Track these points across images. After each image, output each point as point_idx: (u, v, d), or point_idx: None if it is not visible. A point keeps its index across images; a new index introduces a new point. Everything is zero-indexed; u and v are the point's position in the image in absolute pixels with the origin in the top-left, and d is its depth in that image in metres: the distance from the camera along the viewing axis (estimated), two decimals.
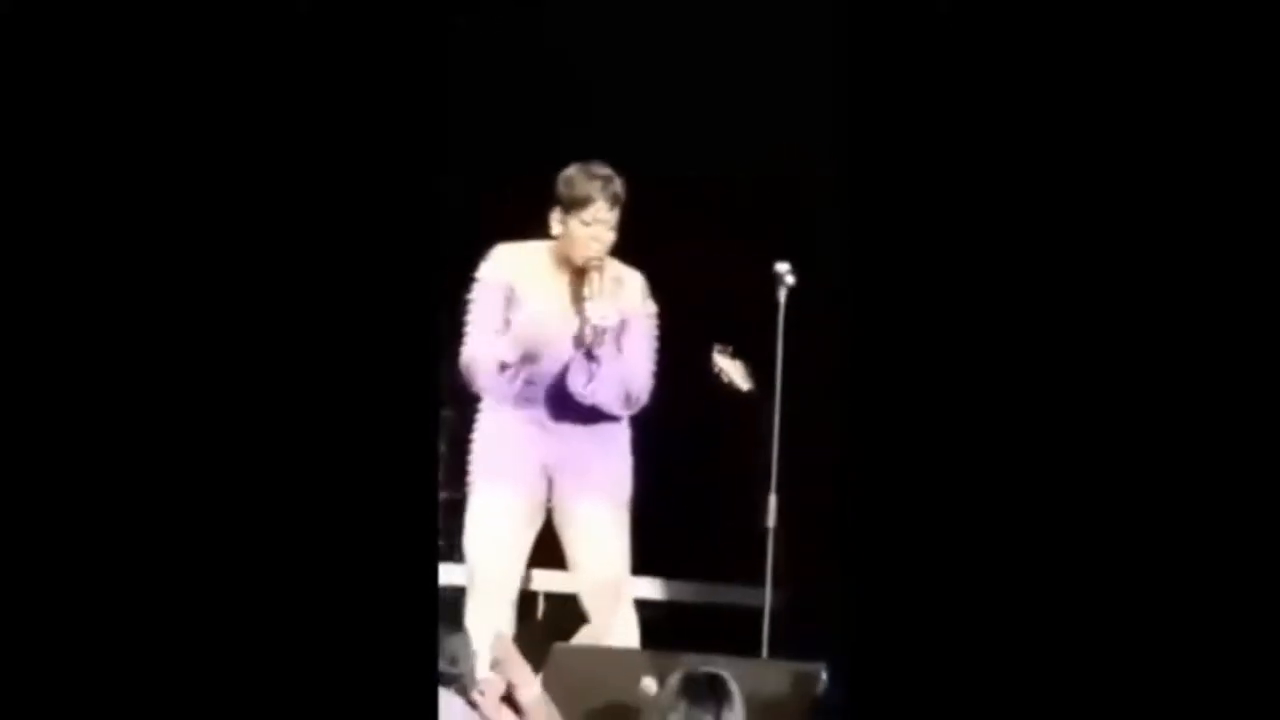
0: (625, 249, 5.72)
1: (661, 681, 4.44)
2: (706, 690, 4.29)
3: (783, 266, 5.81)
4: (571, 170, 5.63)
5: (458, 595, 4.89)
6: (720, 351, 6.00)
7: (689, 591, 7.08)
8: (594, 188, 5.58)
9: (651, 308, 5.77)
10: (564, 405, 5.70)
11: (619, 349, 5.63)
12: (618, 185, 5.61)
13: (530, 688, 4.27)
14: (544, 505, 5.75)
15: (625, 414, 5.70)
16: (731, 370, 6.03)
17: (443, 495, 7.45)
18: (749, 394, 6.06)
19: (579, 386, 5.60)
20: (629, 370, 5.64)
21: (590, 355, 5.59)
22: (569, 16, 7.20)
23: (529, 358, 5.61)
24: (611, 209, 5.60)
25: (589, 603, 5.75)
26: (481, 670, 5.26)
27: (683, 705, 4.27)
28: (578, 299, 5.61)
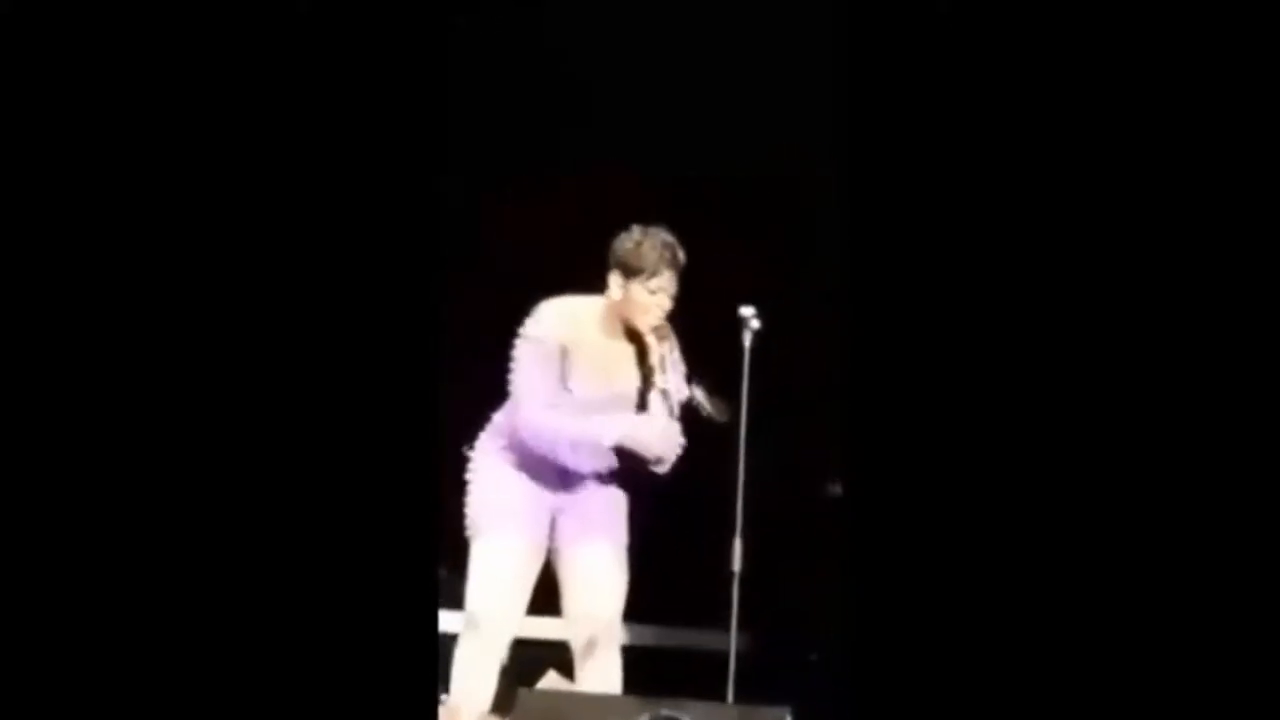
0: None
1: None
2: None
3: (747, 310, 5.82)
4: (636, 234, 5.59)
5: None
6: (696, 384, 6.01)
7: (657, 636, 7.07)
8: (662, 257, 5.56)
9: (684, 373, 5.76)
10: (574, 483, 5.70)
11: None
12: (680, 253, 5.60)
13: None
14: (544, 548, 5.71)
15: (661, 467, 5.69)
16: (709, 405, 6.03)
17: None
18: (724, 425, 6.06)
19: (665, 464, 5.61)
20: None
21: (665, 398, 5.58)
22: (569, 16, 7.21)
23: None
24: (675, 276, 5.59)
25: (582, 647, 5.71)
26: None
27: None
28: (645, 368, 5.59)
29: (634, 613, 6.65)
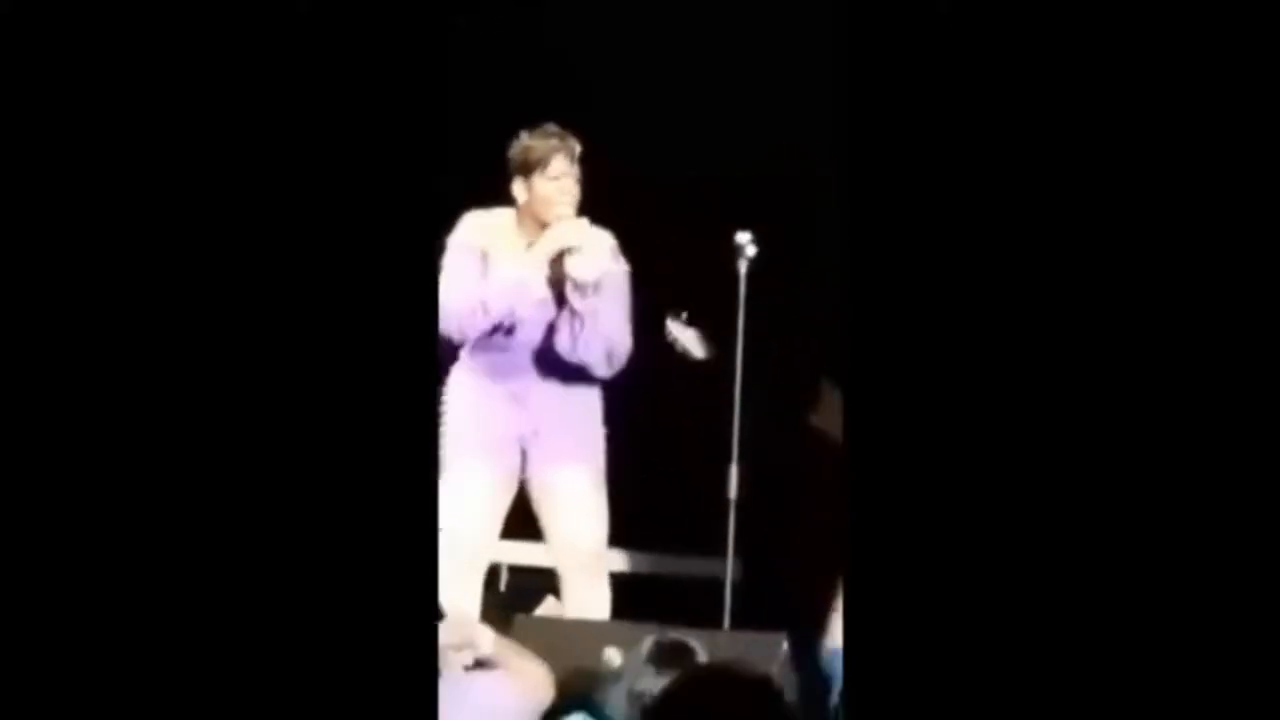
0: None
1: (625, 651, 4.44)
2: (673, 657, 4.29)
3: (743, 237, 5.82)
4: (523, 137, 5.62)
5: None
6: (673, 319, 6.00)
7: (651, 563, 7.09)
8: (550, 145, 5.57)
9: (624, 266, 5.73)
10: (541, 371, 5.67)
11: (596, 308, 5.59)
12: (573, 142, 5.60)
13: (485, 640, 4.27)
14: (517, 477, 5.70)
15: (607, 374, 5.67)
16: (685, 339, 6.03)
17: None
18: (705, 361, 6.06)
19: (564, 345, 5.57)
20: (609, 328, 5.60)
21: (573, 312, 5.54)
22: (569, 16, 7.22)
23: (505, 326, 5.57)
24: (571, 164, 5.58)
25: (567, 575, 5.72)
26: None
27: (650, 672, 4.27)
28: (555, 257, 5.56)
29: (631, 540, 6.68)
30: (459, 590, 5.52)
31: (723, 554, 5.77)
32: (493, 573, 6.03)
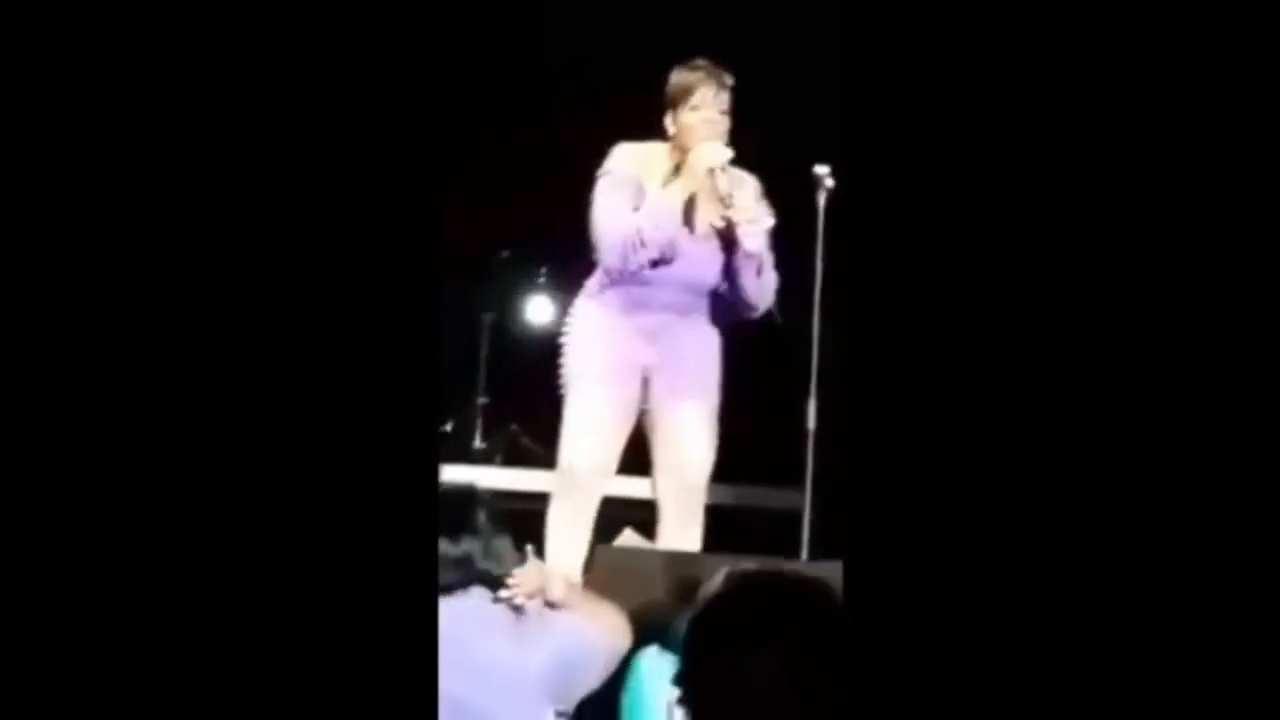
0: None
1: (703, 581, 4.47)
2: (750, 584, 4.30)
3: (822, 169, 5.81)
4: (675, 68, 5.59)
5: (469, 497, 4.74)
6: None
7: (729, 495, 7.12)
8: (696, 77, 5.53)
9: (768, 209, 5.72)
10: (678, 306, 5.66)
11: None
12: (724, 73, 5.56)
13: (556, 585, 4.32)
14: (638, 406, 5.70)
15: (759, 313, 5.68)
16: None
17: (483, 401, 7.58)
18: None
19: (750, 282, 5.58)
20: (769, 278, 5.64)
21: (750, 254, 5.54)
22: (569, 16, 7.26)
23: (665, 257, 5.57)
24: (720, 93, 5.54)
25: (670, 505, 5.73)
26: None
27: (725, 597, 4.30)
28: (712, 196, 5.54)
29: (714, 472, 6.71)
30: (571, 524, 5.59)
31: (801, 486, 5.80)
32: None
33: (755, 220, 5.52)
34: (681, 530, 5.70)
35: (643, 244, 5.49)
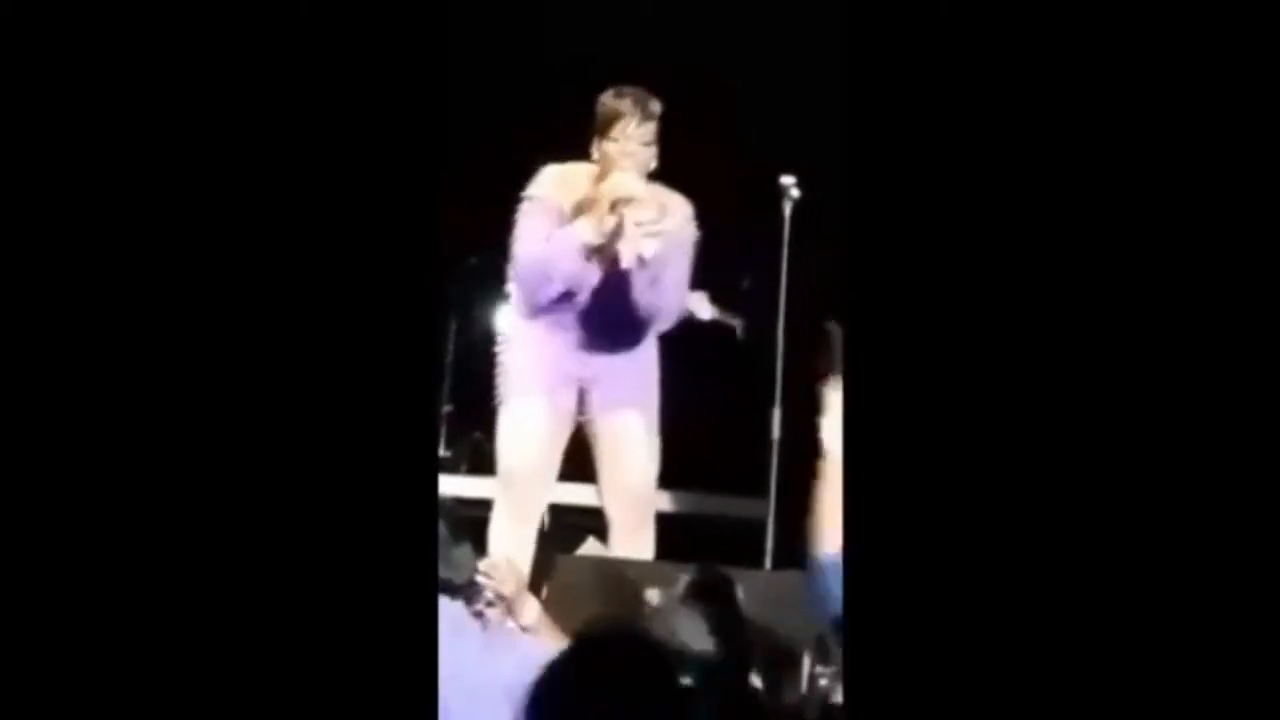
0: None
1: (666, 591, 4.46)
2: (711, 594, 4.31)
3: (788, 179, 5.82)
4: (604, 93, 5.57)
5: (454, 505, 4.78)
6: (706, 300, 6.00)
7: (695, 503, 7.11)
8: (622, 105, 5.50)
9: (691, 231, 5.67)
10: (601, 325, 5.65)
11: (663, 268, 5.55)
12: (650, 102, 5.51)
13: (530, 611, 4.30)
14: (574, 417, 5.71)
15: (661, 329, 5.66)
16: (691, 303, 6.01)
17: (447, 409, 7.57)
18: (715, 323, 6.05)
19: (640, 292, 5.52)
20: (675, 288, 5.61)
21: (643, 263, 5.49)
22: (570, 14, 7.26)
23: (571, 291, 5.56)
24: (642, 124, 5.49)
25: (616, 514, 5.73)
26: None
27: (686, 609, 4.29)
28: (614, 217, 5.48)
29: (676, 480, 6.71)
30: (515, 528, 5.58)
31: (765, 494, 5.79)
32: None
33: (647, 227, 5.47)
34: (630, 539, 5.70)
35: (548, 279, 5.50)
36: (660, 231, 5.45)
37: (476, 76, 5.77)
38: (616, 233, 5.45)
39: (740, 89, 6.55)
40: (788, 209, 5.85)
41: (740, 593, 4.30)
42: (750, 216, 6.15)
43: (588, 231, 5.47)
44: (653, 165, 5.55)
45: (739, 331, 5.98)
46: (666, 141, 5.55)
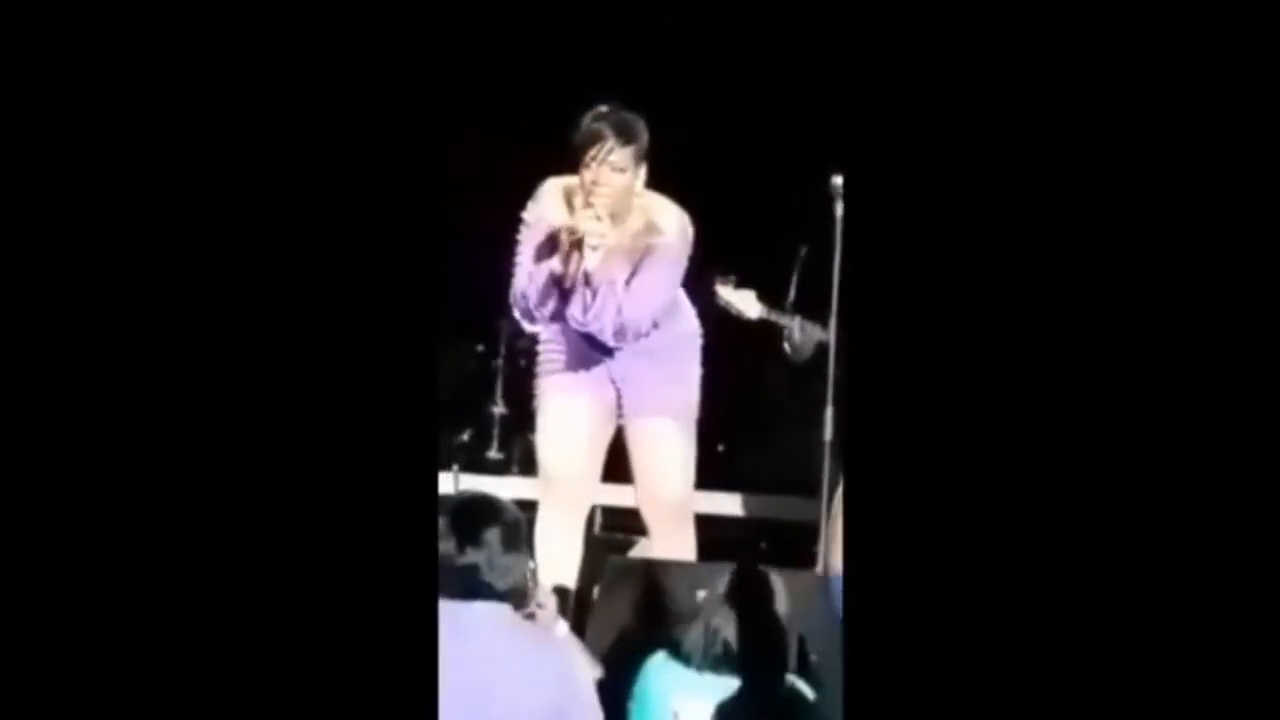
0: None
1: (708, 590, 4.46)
2: (750, 593, 4.31)
3: (838, 180, 5.79)
4: (586, 115, 5.45)
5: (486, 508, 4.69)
6: (722, 283, 5.99)
7: (745, 505, 7.10)
8: (597, 127, 5.37)
9: (683, 245, 5.56)
10: (592, 338, 5.60)
11: (627, 281, 5.45)
12: (632, 124, 5.40)
13: (561, 630, 4.31)
14: (615, 414, 5.66)
15: (619, 345, 5.55)
16: (738, 301, 6.03)
17: (499, 410, 7.58)
18: (761, 322, 6.05)
19: (577, 315, 5.45)
20: (632, 302, 5.47)
21: (587, 283, 5.39)
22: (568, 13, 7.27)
23: (555, 316, 5.52)
24: (622, 149, 5.36)
25: (651, 519, 5.71)
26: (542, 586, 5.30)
27: (726, 608, 4.30)
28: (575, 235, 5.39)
29: (724, 480, 6.70)
30: (561, 526, 5.57)
31: (817, 496, 5.77)
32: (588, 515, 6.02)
33: (592, 241, 5.36)
34: (667, 542, 5.68)
35: (530, 311, 5.48)
36: (598, 246, 5.35)
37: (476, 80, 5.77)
38: (572, 268, 5.40)
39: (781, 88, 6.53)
40: (839, 210, 5.81)
41: (780, 591, 4.30)
42: (801, 217, 6.13)
43: (554, 266, 5.41)
44: (638, 184, 5.45)
45: (788, 331, 5.94)
46: (708, 145, 5.52)
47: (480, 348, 7.63)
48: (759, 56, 7.41)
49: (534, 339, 5.75)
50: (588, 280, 5.40)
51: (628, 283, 5.44)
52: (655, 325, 5.53)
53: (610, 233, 5.37)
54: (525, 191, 5.57)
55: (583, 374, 5.62)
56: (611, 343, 5.55)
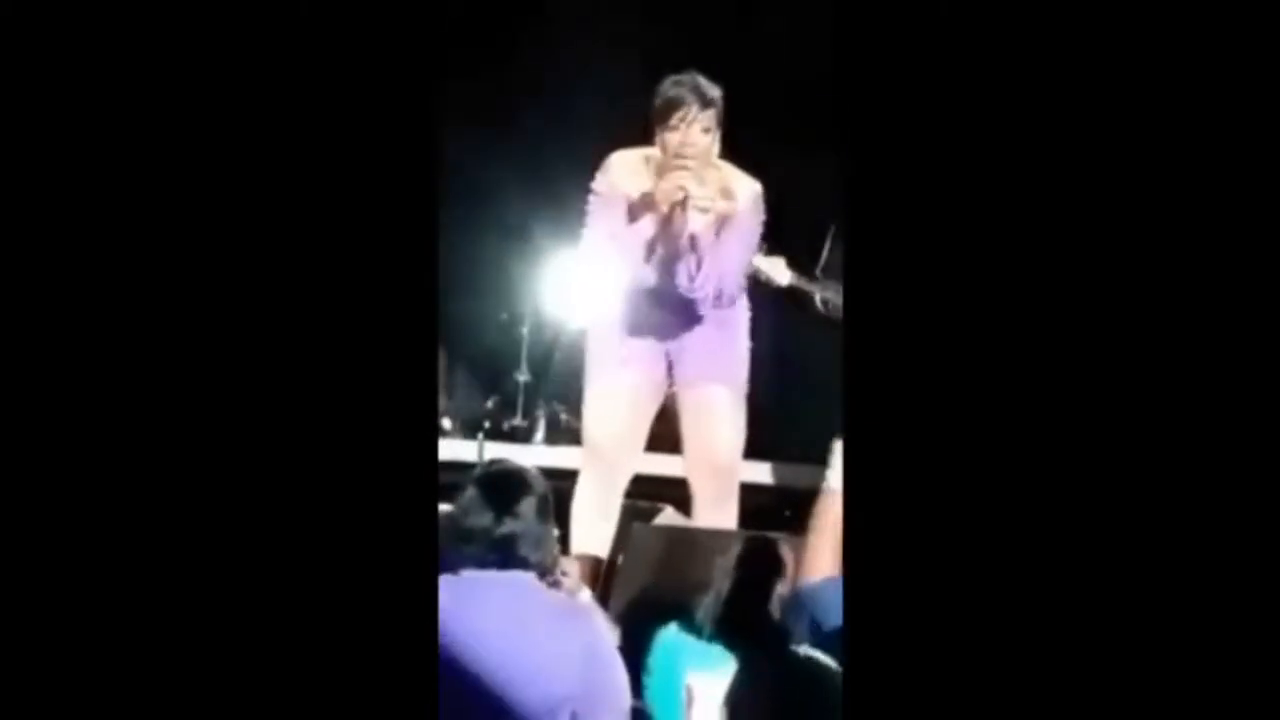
0: None
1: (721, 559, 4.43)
2: (760, 561, 4.28)
3: None
4: (664, 80, 5.49)
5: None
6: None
7: (783, 474, 7.08)
8: (678, 92, 5.42)
9: (756, 214, 5.62)
10: (672, 307, 5.62)
11: (718, 245, 5.51)
12: (709, 88, 5.44)
13: (585, 597, 4.30)
14: (663, 387, 5.69)
15: (716, 310, 5.60)
16: (768, 268, 6.00)
17: (524, 378, 7.57)
18: (793, 289, 6.02)
19: (684, 280, 5.51)
20: (724, 268, 5.53)
21: (693, 248, 5.46)
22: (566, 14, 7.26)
23: (644, 283, 5.54)
24: (703, 111, 5.42)
25: (700, 487, 5.71)
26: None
27: (738, 575, 4.28)
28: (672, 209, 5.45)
29: (762, 450, 6.67)
30: (600, 500, 5.59)
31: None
32: None
33: (700, 203, 5.42)
34: (714, 510, 5.68)
35: (616, 276, 5.52)
36: (708, 209, 5.42)
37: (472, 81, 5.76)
38: (677, 230, 5.44)
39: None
40: None
41: (787, 553, 4.27)
42: (829, 186, 6.09)
43: (649, 231, 5.46)
44: (716, 149, 5.51)
45: (818, 300, 5.91)
46: (737, 114, 5.51)
47: (504, 316, 7.61)
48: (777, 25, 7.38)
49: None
50: (694, 244, 5.44)
51: (718, 248, 5.47)
52: (743, 290, 5.61)
53: (718, 199, 5.43)
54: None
55: (635, 344, 5.63)
56: (708, 308, 5.57)
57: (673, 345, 5.64)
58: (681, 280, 5.49)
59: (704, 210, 5.41)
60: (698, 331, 5.64)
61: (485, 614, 3.72)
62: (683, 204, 5.40)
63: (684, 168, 5.42)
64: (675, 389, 5.68)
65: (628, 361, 5.62)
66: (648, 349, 5.63)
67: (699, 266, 5.47)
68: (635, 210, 5.48)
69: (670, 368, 5.67)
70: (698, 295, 5.53)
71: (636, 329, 5.62)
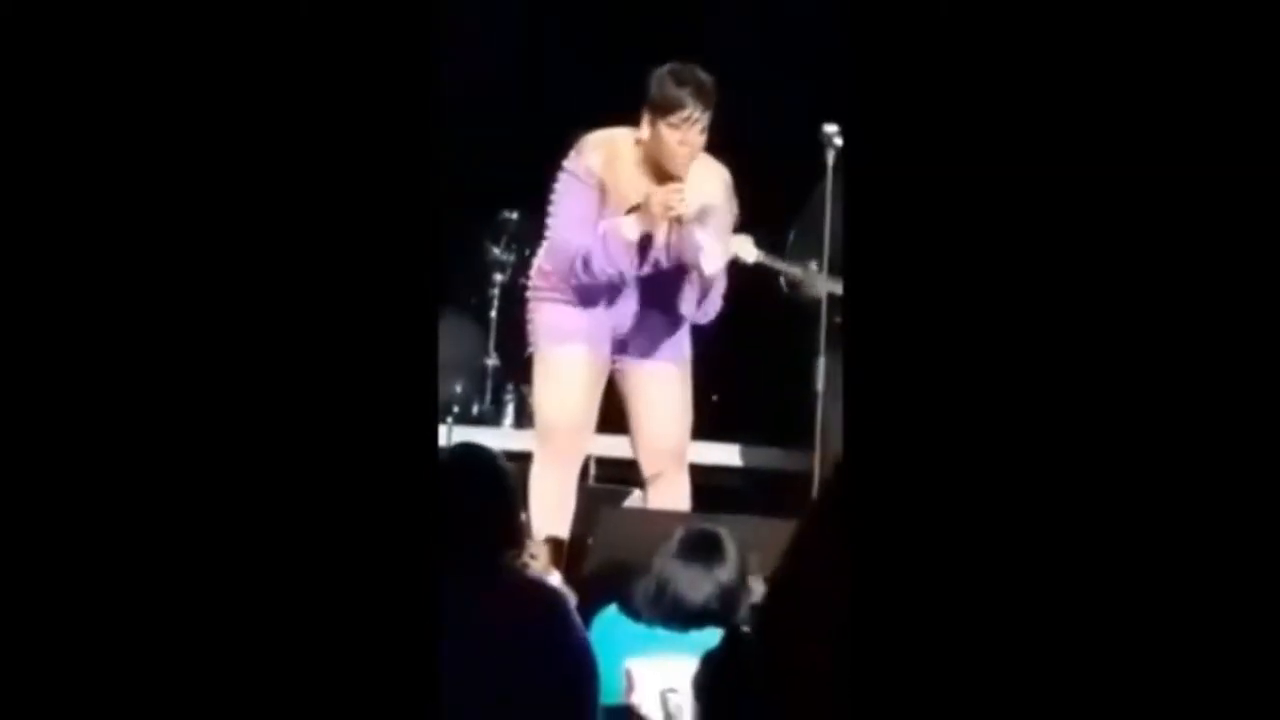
0: None
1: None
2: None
3: (831, 128, 5.77)
4: (664, 71, 5.43)
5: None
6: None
7: (739, 455, 7.11)
8: (682, 93, 5.38)
9: (730, 203, 5.63)
10: (641, 301, 5.63)
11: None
12: (710, 88, 5.41)
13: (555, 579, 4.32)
14: (608, 361, 5.66)
15: (661, 288, 5.61)
16: (736, 246, 5.93)
17: (491, 362, 7.58)
18: (757, 267, 5.99)
19: (691, 311, 5.55)
20: (716, 278, 5.57)
21: (701, 278, 5.49)
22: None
23: (610, 282, 5.53)
24: (704, 113, 5.40)
25: (649, 466, 5.71)
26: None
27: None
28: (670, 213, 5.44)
29: (718, 431, 6.69)
30: (555, 481, 5.57)
31: (809, 447, 5.78)
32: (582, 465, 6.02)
33: (708, 253, 5.44)
34: (664, 490, 5.68)
35: (586, 269, 5.45)
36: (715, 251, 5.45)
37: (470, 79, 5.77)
38: (663, 243, 5.45)
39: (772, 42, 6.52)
40: (830, 158, 5.80)
41: (730, 543, 4.29)
42: (793, 165, 6.12)
43: (636, 230, 5.45)
44: (702, 142, 5.49)
45: (783, 279, 5.93)
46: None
47: (473, 299, 7.62)
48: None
49: (526, 291, 5.76)
50: (700, 277, 5.48)
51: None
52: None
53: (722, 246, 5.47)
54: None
55: (580, 322, 5.59)
56: (700, 318, 5.61)
57: (616, 324, 5.61)
58: (687, 309, 5.54)
59: (712, 261, 5.43)
60: (642, 308, 5.62)
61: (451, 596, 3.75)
62: (677, 220, 5.40)
63: (679, 190, 5.42)
64: (619, 368, 5.67)
65: (574, 339, 5.59)
66: (592, 325, 5.59)
67: (704, 295, 5.52)
68: (610, 198, 5.46)
69: (615, 345, 5.65)
70: (702, 322, 5.56)
71: (580, 306, 5.58)
